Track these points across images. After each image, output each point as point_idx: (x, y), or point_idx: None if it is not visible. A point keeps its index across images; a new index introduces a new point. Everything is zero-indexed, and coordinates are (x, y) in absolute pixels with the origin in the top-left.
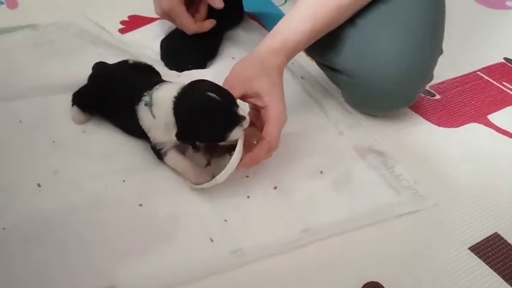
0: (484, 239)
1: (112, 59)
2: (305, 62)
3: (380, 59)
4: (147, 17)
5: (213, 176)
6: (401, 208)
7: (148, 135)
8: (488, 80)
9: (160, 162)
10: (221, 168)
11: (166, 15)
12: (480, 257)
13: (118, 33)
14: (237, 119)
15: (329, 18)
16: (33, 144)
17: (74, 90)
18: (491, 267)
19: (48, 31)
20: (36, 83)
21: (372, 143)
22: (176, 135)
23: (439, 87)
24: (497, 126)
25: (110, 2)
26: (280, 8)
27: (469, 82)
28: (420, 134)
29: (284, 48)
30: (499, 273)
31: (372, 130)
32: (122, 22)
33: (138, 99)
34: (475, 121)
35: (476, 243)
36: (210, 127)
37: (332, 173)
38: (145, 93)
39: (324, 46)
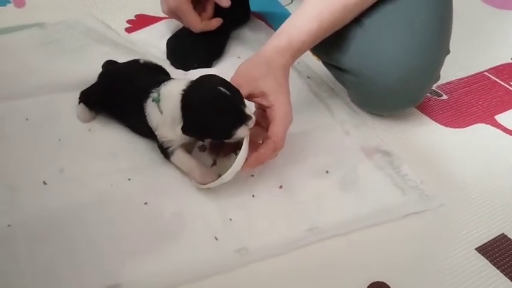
0: (491, 240)
1: (118, 58)
2: (311, 62)
3: (386, 59)
4: (154, 16)
5: (219, 176)
6: (407, 208)
7: (156, 133)
8: (496, 81)
9: (166, 161)
10: (227, 168)
11: (172, 13)
12: (487, 258)
13: (125, 32)
14: (244, 118)
15: (335, 17)
16: (39, 142)
17: (81, 89)
18: (498, 268)
19: (55, 30)
20: (43, 81)
21: (378, 142)
22: (182, 128)
23: (446, 87)
24: (504, 127)
25: (117, 1)
26: (286, 7)
27: (476, 82)
28: (427, 134)
29: (290, 48)
30: (505, 274)
31: (378, 130)
32: (129, 21)
33: (146, 97)
34: (482, 121)
35: (483, 244)
36: (217, 122)
37: (337, 172)
38: (153, 90)
39: (330, 45)
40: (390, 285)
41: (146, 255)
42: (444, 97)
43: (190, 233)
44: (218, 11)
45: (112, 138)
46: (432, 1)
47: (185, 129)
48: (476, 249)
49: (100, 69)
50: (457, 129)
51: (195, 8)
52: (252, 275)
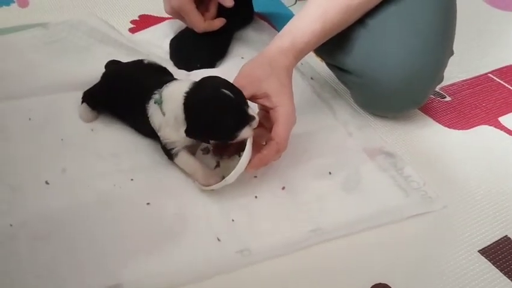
0: (494, 242)
1: (121, 58)
2: (315, 63)
3: (389, 60)
4: (157, 17)
5: (223, 177)
6: (410, 210)
7: (158, 134)
8: (500, 82)
9: (168, 161)
10: (230, 170)
11: (175, 13)
12: (490, 260)
13: (128, 32)
14: (247, 118)
15: (338, 18)
16: (41, 142)
17: (84, 89)
18: (501, 270)
19: (58, 30)
20: (46, 81)
21: (381, 144)
22: (186, 131)
23: (450, 88)
24: (508, 129)
25: (121, 1)
26: (290, 8)
27: (480, 84)
28: (430, 135)
29: (293, 49)
30: (508, 277)
31: (381, 131)
32: (132, 21)
33: (148, 98)
34: (485, 123)
35: (486, 246)
36: (220, 124)
37: (340, 173)
38: (155, 92)
39: (333, 46)
40: (392, 287)
41: (148, 255)
42: (448, 99)
43: (192, 234)
44: (221, 11)
45: (114, 138)
46: (436, 2)
47: (188, 132)
48: (479, 251)
49: (103, 69)
50: (461, 130)
51: (198, 7)
52: (254, 276)
